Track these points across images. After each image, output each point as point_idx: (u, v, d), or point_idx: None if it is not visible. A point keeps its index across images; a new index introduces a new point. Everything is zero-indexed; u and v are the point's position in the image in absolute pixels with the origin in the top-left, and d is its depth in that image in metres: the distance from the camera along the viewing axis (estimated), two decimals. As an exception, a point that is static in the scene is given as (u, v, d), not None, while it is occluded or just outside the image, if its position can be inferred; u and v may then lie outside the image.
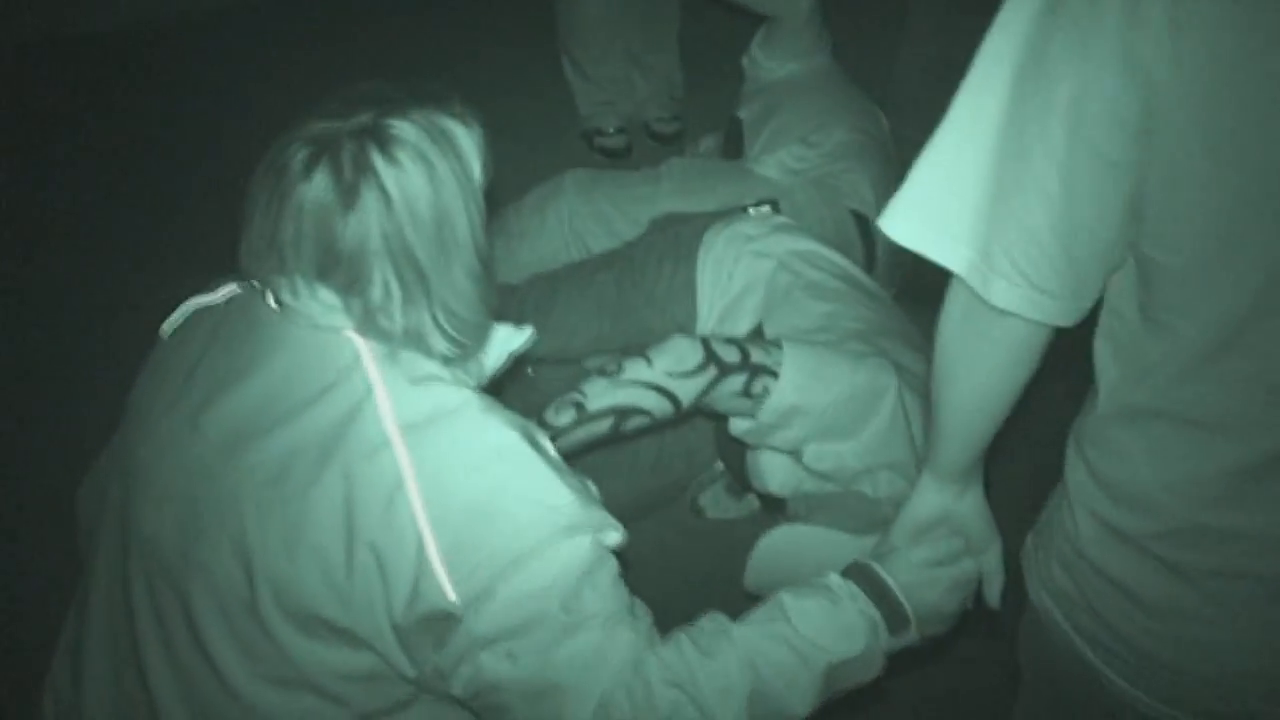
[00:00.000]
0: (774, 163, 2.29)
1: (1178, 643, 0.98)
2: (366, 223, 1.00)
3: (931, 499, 1.14)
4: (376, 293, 1.02)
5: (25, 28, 3.57)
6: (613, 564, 1.04)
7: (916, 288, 2.48)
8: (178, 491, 1.04)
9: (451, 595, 0.95)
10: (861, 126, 2.38)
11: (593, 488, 1.09)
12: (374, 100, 1.04)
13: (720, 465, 2.10)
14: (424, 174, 1.02)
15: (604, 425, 1.55)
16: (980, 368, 0.97)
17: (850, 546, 1.73)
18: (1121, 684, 1.03)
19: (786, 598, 1.11)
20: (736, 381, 1.56)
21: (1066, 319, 0.91)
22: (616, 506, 1.93)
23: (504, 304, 2.02)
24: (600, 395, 1.55)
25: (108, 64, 3.54)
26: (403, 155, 1.01)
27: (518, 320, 2.01)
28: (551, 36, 3.22)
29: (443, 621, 0.97)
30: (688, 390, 1.56)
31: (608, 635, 1.00)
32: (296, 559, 0.97)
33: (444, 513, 0.96)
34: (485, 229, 1.08)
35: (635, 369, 1.56)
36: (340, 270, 1.01)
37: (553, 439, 1.52)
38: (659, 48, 3.13)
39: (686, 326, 1.95)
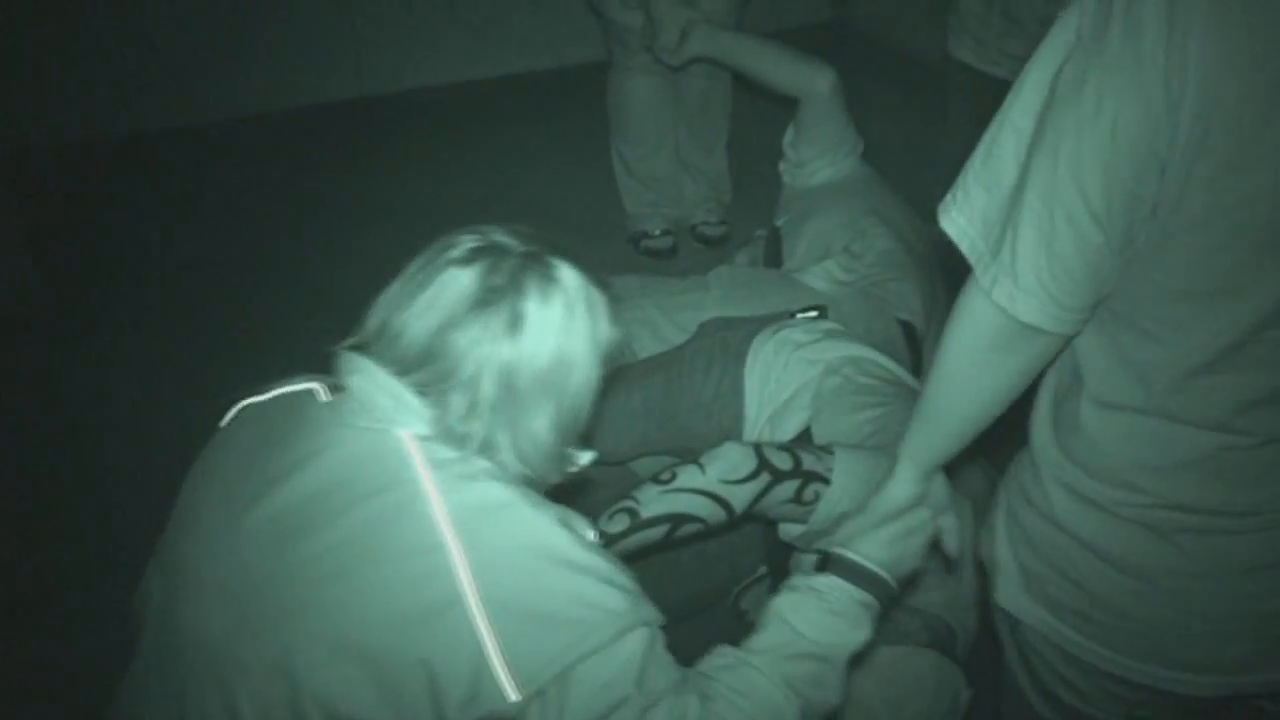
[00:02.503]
0: (821, 273, 2.31)
1: (1155, 596, 1.05)
2: (488, 333, 1.03)
3: (910, 489, 1.22)
4: (459, 403, 1.04)
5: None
6: (662, 641, 1.07)
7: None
8: (222, 591, 1.04)
9: (512, 697, 0.96)
10: (902, 233, 2.41)
11: (628, 574, 1.10)
12: (550, 241, 1.11)
13: (764, 568, 2.10)
14: (561, 317, 1.06)
15: (658, 532, 1.57)
16: (997, 376, 1.04)
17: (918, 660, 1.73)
18: (1099, 650, 1.11)
19: (788, 614, 1.17)
20: (789, 488, 1.57)
21: (1082, 327, 0.99)
22: (659, 610, 1.95)
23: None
24: (653, 502, 1.57)
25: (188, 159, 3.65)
26: (554, 291, 1.06)
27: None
28: (602, 145, 3.30)
29: None
30: (741, 497, 1.57)
31: (678, 703, 1.04)
32: (339, 662, 0.97)
33: (503, 615, 0.97)
34: (593, 395, 1.12)
35: (689, 476, 1.58)
36: (434, 367, 1.04)
37: (606, 546, 1.55)
38: (708, 151, 3.21)
39: (733, 431, 1.97)
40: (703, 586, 2.07)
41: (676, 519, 1.56)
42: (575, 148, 3.69)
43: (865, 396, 1.83)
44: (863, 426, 1.77)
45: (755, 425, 1.97)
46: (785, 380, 1.95)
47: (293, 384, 1.16)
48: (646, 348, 2.27)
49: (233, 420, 1.18)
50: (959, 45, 2.43)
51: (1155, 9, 0.82)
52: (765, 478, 1.57)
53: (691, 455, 1.64)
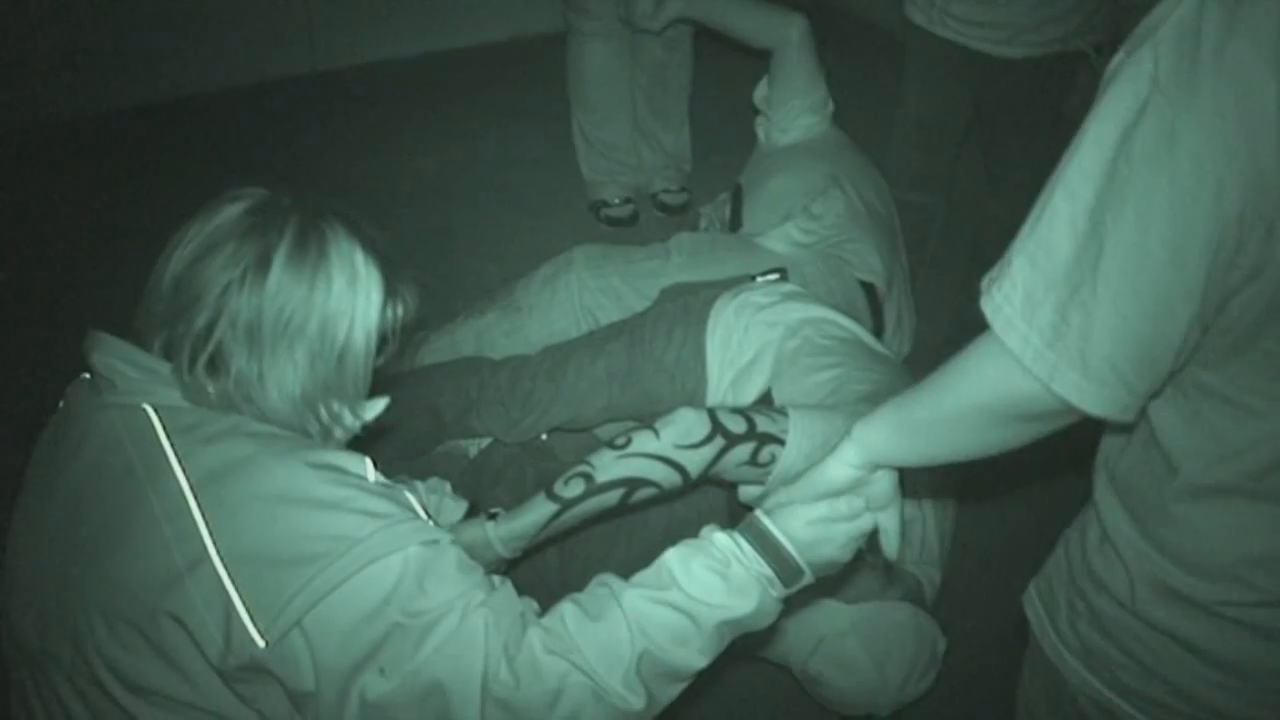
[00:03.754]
0: (781, 235, 2.31)
1: (1255, 695, 0.95)
2: (231, 268, 1.04)
3: (848, 472, 1.10)
4: (198, 345, 1.05)
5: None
6: (450, 554, 1.05)
7: (930, 346, 2.51)
8: (28, 587, 1.10)
9: (260, 643, 0.98)
10: (864, 194, 2.41)
11: (412, 498, 1.09)
12: (338, 210, 1.11)
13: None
14: (314, 273, 1.07)
15: (613, 497, 1.56)
16: (1008, 438, 0.94)
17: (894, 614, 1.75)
18: None
19: (674, 562, 1.11)
20: (743, 451, 1.57)
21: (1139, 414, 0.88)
22: (630, 571, 1.95)
23: (515, 374, 2.07)
24: (608, 467, 1.56)
25: (111, 144, 3.60)
26: (310, 244, 1.07)
27: (529, 386, 2.05)
28: (558, 116, 3.27)
29: (265, 671, 1.00)
30: (695, 461, 1.57)
31: (464, 620, 1.01)
32: (118, 634, 1.01)
33: (243, 566, 0.98)
34: (364, 355, 1.11)
35: (643, 441, 1.57)
36: (181, 302, 1.05)
37: (563, 510, 1.55)
38: (666, 123, 3.18)
39: (697, 394, 1.97)
40: (669, 547, 2.07)
41: (631, 483, 1.56)
42: (533, 119, 3.65)
43: (824, 357, 1.84)
44: (821, 386, 1.78)
45: (718, 389, 1.97)
46: (746, 343, 1.95)
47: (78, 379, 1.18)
48: (610, 316, 2.27)
49: (60, 407, 1.21)
50: (911, 7, 2.48)
51: (1258, 48, 0.70)
52: (719, 442, 1.57)
53: (649, 423, 1.64)
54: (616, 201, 3.24)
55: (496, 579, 1.09)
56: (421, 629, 0.99)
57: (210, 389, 1.07)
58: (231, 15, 3.79)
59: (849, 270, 2.28)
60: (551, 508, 1.54)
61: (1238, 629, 0.92)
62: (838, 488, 1.11)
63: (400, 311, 1.15)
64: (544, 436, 2.14)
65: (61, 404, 1.20)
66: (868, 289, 2.28)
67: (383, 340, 1.15)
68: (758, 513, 1.15)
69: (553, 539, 1.61)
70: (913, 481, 1.59)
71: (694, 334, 2.01)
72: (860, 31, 4.04)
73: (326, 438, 1.14)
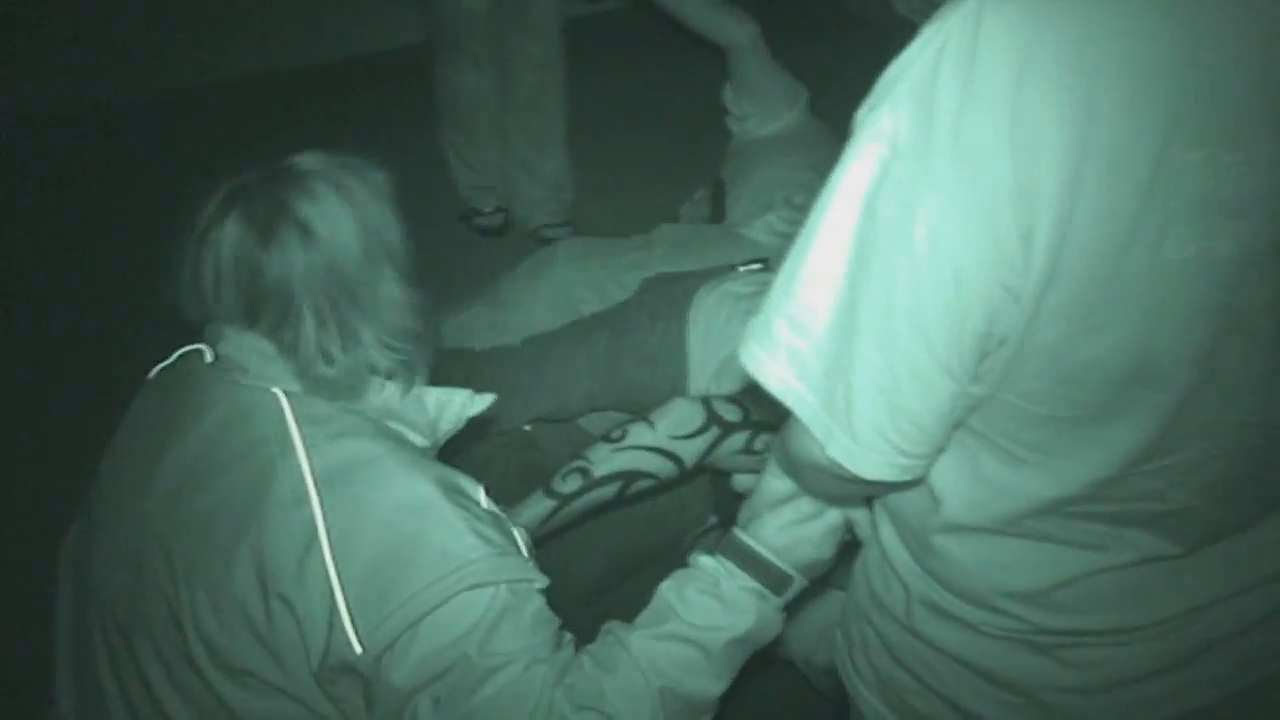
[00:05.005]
0: (762, 226, 2.32)
1: (1036, 711, 0.97)
2: (288, 257, 1.05)
3: (782, 482, 1.13)
4: (309, 326, 1.06)
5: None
6: (534, 604, 1.06)
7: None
8: (126, 550, 1.09)
9: (357, 649, 0.99)
10: None
11: (519, 535, 1.11)
12: (276, 160, 1.10)
13: (714, 518, 2.12)
14: (337, 196, 1.07)
15: (611, 490, 1.58)
16: (839, 498, 0.99)
17: None
18: None
19: (669, 594, 1.13)
20: (739, 440, 1.59)
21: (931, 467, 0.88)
22: (613, 560, 1.96)
23: (499, 366, 2.06)
24: (605, 461, 1.58)
25: (89, 140, 3.54)
26: (315, 184, 1.06)
27: (513, 379, 2.05)
28: (421, 130, 3.17)
29: (356, 674, 1.00)
30: (691, 451, 1.59)
31: (524, 674, 1.02)
32: (222, 614, 1.02)
33: (353, 567, 1.00)
34: (406, 244, 1.13)
35: (638, 433, 1.59)
36: (268, 309, 1.06)
37: (561, 506, 1.56)
38: (542, 149, 3.06)
39: (679, 384, 1.98)
40: (655, 538, 2.10)
41: (629, 476, 1.58)
42: (401, 131, 3.59)
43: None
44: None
45: (700, 378, 1.98)
46: (728, 333, 1.96)
47: (189, 347, 1.18)
48: (593, 309, 2.26)
49: (147, 384, 1.21)
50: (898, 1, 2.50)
51: (994, 127, 0.69)
52: (715, 431, 1.59)
53: (639, 410, 1.65)
54: (488, 210, 3.18)
55: (566, 635, 1.09)
56: (484, 671, 1.00)
57: (326, 348, 1.07)
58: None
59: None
60: (549, 504, 1.55)
61: (1008, 645, 0.94)
62: (786, 495, 1.14)
63: (385, 177, 1.15)
64: (527, 427, 2.14)
65: (158, 373, 1.19)
66: None
67: None
68: (733, 530, 1.18)
69: (553, 532, 1.62)
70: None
71: (675, 323, 2.02)
72: (845, 21, 4.04)
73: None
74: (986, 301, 0.74)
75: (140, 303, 2.78)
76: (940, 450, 0.85)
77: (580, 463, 1.58)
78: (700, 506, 2.10)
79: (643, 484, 1.59)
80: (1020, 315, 0.75)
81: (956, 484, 0.90)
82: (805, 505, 1.13)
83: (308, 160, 1.09)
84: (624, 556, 2.00)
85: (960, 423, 0.85)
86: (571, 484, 1.57)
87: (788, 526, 1.13)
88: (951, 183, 0.71)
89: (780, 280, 0.82)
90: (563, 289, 2.31)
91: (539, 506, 1.55)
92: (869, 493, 0.96)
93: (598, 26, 3.74)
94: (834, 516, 1.14)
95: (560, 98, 3.03)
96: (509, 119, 3.01)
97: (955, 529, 0.91)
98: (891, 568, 1.00)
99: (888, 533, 1.00)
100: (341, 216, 1.06)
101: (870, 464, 0.81)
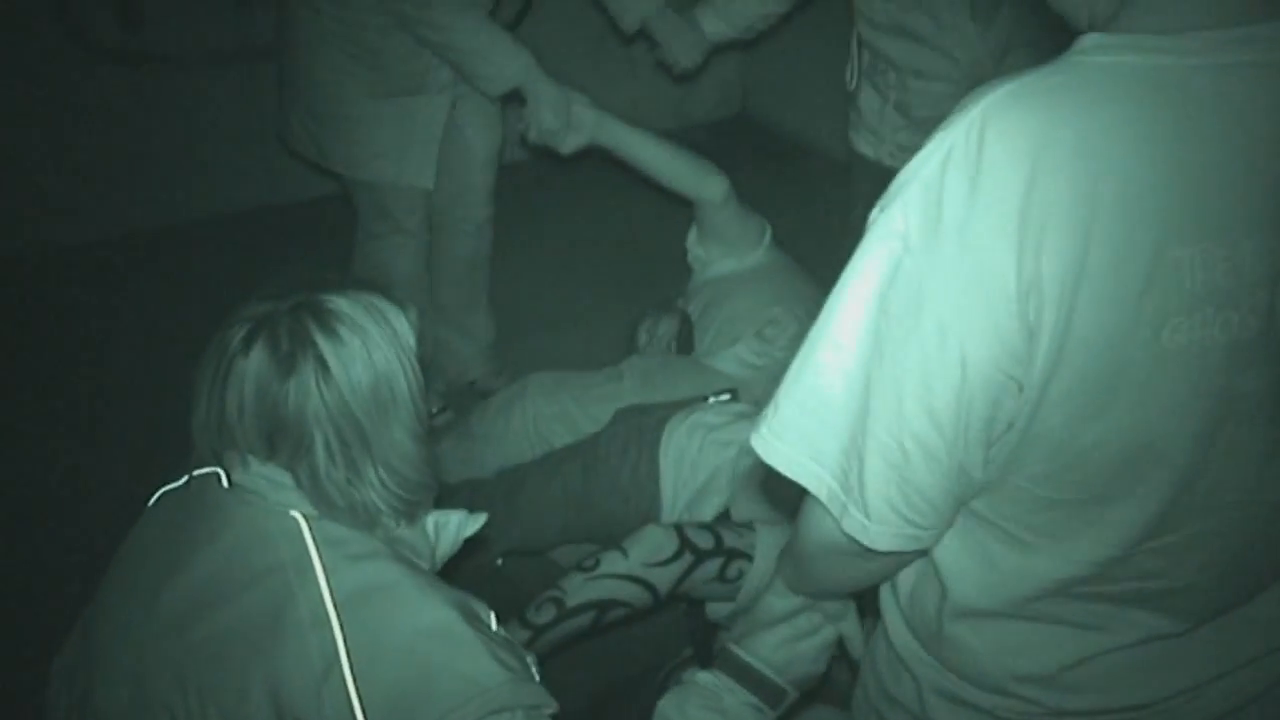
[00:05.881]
0: (732, 357, 2.36)
1: None
2: (306, 389, 1.06)
3: (787, 601, 1.17)
4: (320, 458, 1.07)
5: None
6: None
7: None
8: (130, 670, 1.07)
9: None
10: (814, 316, 2.45)
11: (532, 662, 1.12)
12: (309, 283, 1.12)
13: (689, 649, 2.10)
14: (359, 341, 1.09)
15: (585, 619, 1.57)
16: (849, 582, 1.01)
17: None
18: None
19: (670, 711, 1.15)
20: (712, 567, 1.60)
21: (938, 540, 0.92)
22: (583, 696, 1.93)
23: (470, 498, 2.06)
24: (579, 590, 1.57)
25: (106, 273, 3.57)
26: (338, 326, 1.09)
27: (486, 510, 2.04)
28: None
29: None
30: (664, 579, 1.59)
31: None
32: None
33: (375, 691, 0.99)
34: (423, 396, 1.15)
35: (612, 562, 1.59)
36: (285, 440, 1.08)
37: (536, 636, 1.55)
38: (474, 305, 3.03)
39: (651, 515, 1.98)
40: (628, 670, 2.06)
41: (603, 605, 1.57)
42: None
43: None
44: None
45: (673, 509, 1.99)
46: (700, 463, 1.98)
47: (201, 471, 1.18)
48: (564, 441, 2.28)
49: (153, 506, 1.20)
50: (858, 138, 2.50)
51: (999, 224, 0.75)
52: (688, 558, 1.59)
53: (612, 541, 1.66)
54: (434, 411, 2.97)
55: None
56: None
57: (336, 480, 1.08)
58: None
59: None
60: (524, 635, 1.55)
61: None
62: (786, 613, 1.18)
63: (414, 318, 1.17)
64: (499, 562, 2.13)
65: (164, 495, 1.19)
66: None
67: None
68: (729, 646, 1.20)
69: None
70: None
71: (647, 454, 2.03)
72: (800, 155, 4.19)
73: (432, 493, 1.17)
74: (991, 388, 0.79)
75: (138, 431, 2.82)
76: (948, 523, 0.89)
77: (554, 593, 1.57)
78: (675, 638, 2.08)
79: (617, 613, 1.59)
80: (1025, 402, 0.79)
81: (965, 570, 0.94)
82: (802, 622, 1.17)
83: (336, 298, 1.11)
84: (598, 689, 1.97)
85: (967, 500, 0.88)
86: (546, 614, 1.56)
87: (785, 643, 1.17)
88: (957, 278, 0.77)
89: (792, 371, 0.87)
90: (534, 422, 2.33)
91: (514, 637, 1.53)
92: (879, 571, 0.98)
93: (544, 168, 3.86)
94: (829, 634, 1.19)
95: (489, 254, 3.01)
96: (442, 285, 2.96)
97: (965, 614, 0.95)
98: (901, 661, 1.02)
99: (897, 627, 1.03)
100: (357, 360, 1.09)
101: (882, 536, 0.85)
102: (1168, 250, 0.76)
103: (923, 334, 0.78)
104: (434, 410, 3.02)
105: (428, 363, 1.20)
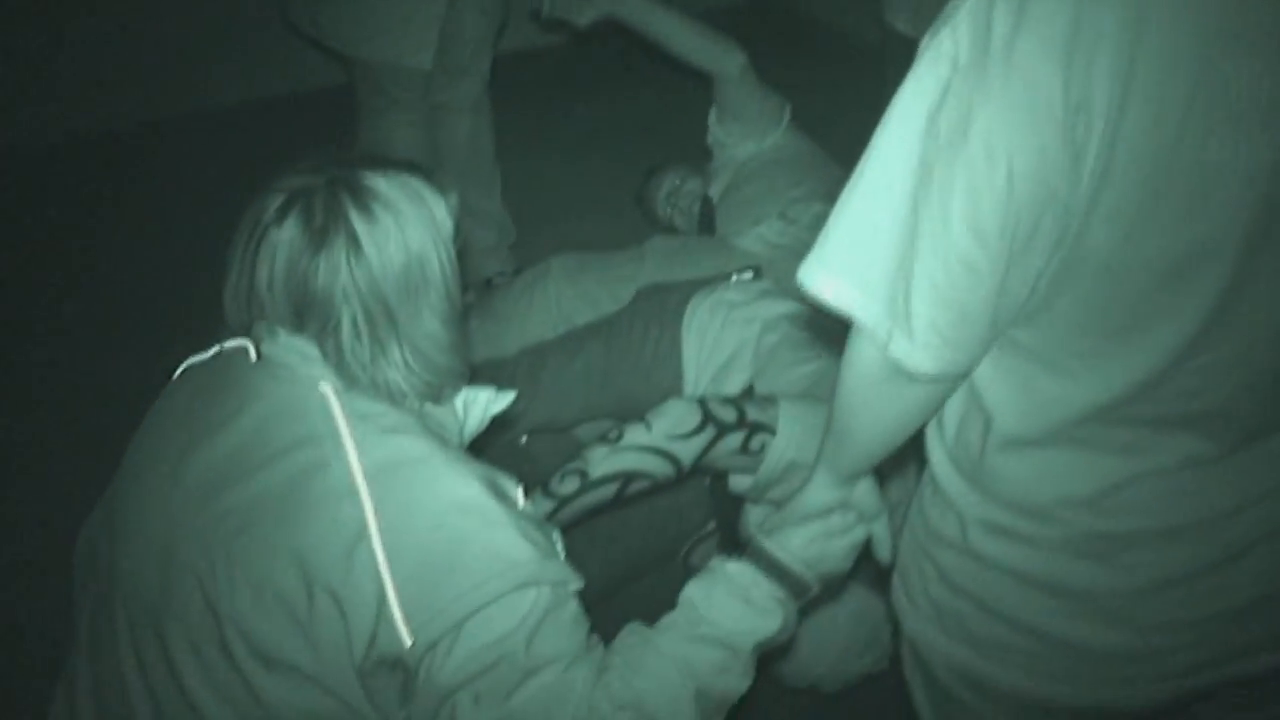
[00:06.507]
0: (755, 236, 2.33)
1: (1098, 616, 1.02)
2: (336, 265, 1.07)
3: (827, 495, 1.18)
4: (346, 334, 1.08)
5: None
6: (572, 607, 1.08)
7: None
8: (157, 538, 1.08)
9: (407, 642, 1.00)
10: (835, 197, 2.43)
11: (557, 538, 1.13)
12: (348, 159, 1.12)
13: (712, 524, 2.13)
14: (393, 221, 1.09)
15: (608, 491, 1.58)
16: (897, 411, 1.00)
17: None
18: (1015, 679, 1.07)
19: (697, 599, 1.15)
20: (735, 440, 1.60)
21: (976, 368, 0.96)
22: (611, 568, 1.96)
23: (493, 377, 2.07)
24: (602, 462, 1.58)
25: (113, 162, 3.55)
26: (373, 203, 1.08)
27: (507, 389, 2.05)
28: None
29: (401, 668, 1.01)
30: (688, 451, 1.59)
31: (565, 675, 1.03)
32: (262, 604, 1.02)
33: (404, 562, 1.00)
34: (457, 279, 1.15)
35: (635, 434, 1.59)
36: (313, 314, 1.08)
37: (559, 507, 1.57)
38: (487, 191, 3.01)
39: (673, 392, 1.99)
40: (652, 544, 2.10)
41: (626, 477, 1.58)
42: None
43: (803, 351, 1.87)
44: (803, 380, 1.81)
45: (695, 386, 1.99)
46: (723, 340, 1.97)
47: (230, 343, 1.18)
48: (586, 320, 2.28)
49: (177, 379, 1.21)
50: (894, 15, 2.40)
51: (1045, 44, 0.76)
52: (711, 431, 1.59)
53: (635, 416, 1.66)
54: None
55: (595, 637, 1.11)
56: (526, 671, 1.02)
57: (363, 358, 1.09)
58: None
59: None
60: (548, 505, 1.56)
61: (1065, 555, 1.00)
62: (823, 508, 1.19)
63: (454, 202, 1.16)
64: (523, 440, 2.15)
65: (189, 368, 1.20)
66: None
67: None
68: (759, 538, 1.21)
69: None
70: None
71: (670, 331, 2.03)
72: (823, 39, 4.09)
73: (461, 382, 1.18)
74: (1038, 206, 0.81)
75: (161, 309, 2.84)
76: (988, 346, 0.92)
77: (578, 464, 1.58)
78: (698, 512, 2.11)
79: (639, 485, 1.60)
80: (1072, 220, 0.81)
81: (1008, 401, 0.96)
82: (835, 521, 1.19)
83: (374, 176, 1.10)
84: (622, 564, 2.00)
85: (1009, 323, 0.90)
86: (570, 485, 1.57)
87: (816, 540, 1.18)
88: (1005, 97, 0.78)
89: (839, 204, 0.90)
90: (557, 302, 2.33)
91: (538, 507, 1.55)
92: (918, 404, 0.98)
93: (563, 55, 3.79)
94: (859, 534, 1.21)
95: (493, 138, 2.99)
96: (449, 173, 2.80)
97: (1008, 444, 0.98)
98: (946, 499, 1.06)
99: (942, 466, 1.06)
100: (390, 241, 1.08)
101: (926, 359, 0.88)
102: (1215, 65, 0.76)
103: (970, 153, 0.80)
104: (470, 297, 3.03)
105: (463, 250, 1.18)
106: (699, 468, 1.63)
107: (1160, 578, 0.99)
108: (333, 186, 1.08)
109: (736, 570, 1.18)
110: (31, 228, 3.28)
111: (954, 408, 1.04)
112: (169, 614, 1.05)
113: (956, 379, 0.95)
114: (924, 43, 0.85)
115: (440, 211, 1.13)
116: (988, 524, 1.03)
